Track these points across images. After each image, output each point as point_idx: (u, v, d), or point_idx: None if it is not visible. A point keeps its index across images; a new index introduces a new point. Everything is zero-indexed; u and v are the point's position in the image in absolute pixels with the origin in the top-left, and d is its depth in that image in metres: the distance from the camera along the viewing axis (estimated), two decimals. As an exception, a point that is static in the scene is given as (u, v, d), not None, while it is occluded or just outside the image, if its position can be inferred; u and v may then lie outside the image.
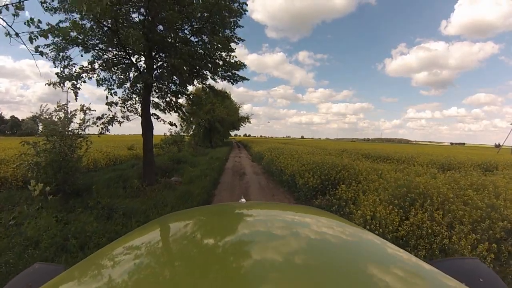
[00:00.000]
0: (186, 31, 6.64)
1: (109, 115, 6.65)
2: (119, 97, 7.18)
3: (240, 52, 7.34)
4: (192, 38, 6.36)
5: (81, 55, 6.19)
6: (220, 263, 0.62)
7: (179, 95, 7.38)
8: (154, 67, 6.86)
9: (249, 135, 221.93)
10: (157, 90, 7.29)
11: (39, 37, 3.34)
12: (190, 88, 8.49)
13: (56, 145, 6.18)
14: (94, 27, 6.16)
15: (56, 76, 5.58)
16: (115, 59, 6.67)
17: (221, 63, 6.90)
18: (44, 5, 5.40)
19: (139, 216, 4.47)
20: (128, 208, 4.74)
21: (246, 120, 37.26)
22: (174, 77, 6.94)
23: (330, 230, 0.89)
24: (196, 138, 27.44)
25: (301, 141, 64.18)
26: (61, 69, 5.98)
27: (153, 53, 6.73)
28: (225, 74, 7.08)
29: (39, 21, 2.96)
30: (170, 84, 7.16)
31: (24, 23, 2.93)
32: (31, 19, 3.02)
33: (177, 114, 7.44)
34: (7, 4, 2.74)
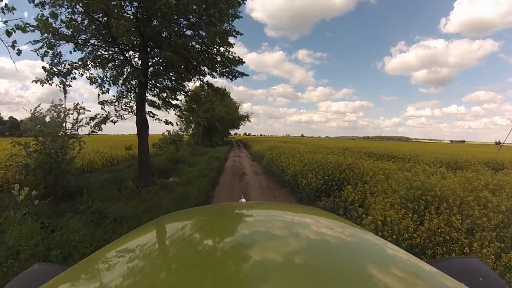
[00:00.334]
0: (182, 25, 6.31)
1: (102, 114, 6.33)
2: (113, 96, 6.88)
3: (239, 51, 7.12)
4: (188, 32, 6.03)
5: (70, 52, 5.87)
6: (220, 263, 0.62)
7: (176, 92, 7.05)
8: (149, 64, 6.53)
9: (249, 134, 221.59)
10: (152, 88, 6.96)
11: (16, 30, 3.03)
12: (190, 86, 8.21)
13: (47, 146, 5.89)
14: (85, 21, 5.85)
15: (43, 71, 5.24)
16: (107, 55, 6.35)
17: (219, 58, 6.57)
18: None
19: (131, 221, 4.16)
20: (120, 212, 4.43)
21: (246, 119, 36.94)
22: (171, 74, 6.62)
23: (330, 230, 0.89)
24: (196, 137, 27.12)
25: (301, 139, 63.93)
26: (50, 66, 5.67)
27: (148, 49, 6.42)
28: (223, 70, 6.75)
29: (13, 8, 2.63)
30: (166, 81, 6.84)
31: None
32: (5, 5, 2.70)
33: (174, 112, 7.10)
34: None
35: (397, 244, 1.01)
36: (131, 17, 5.72)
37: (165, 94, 7.02)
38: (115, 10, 5.22)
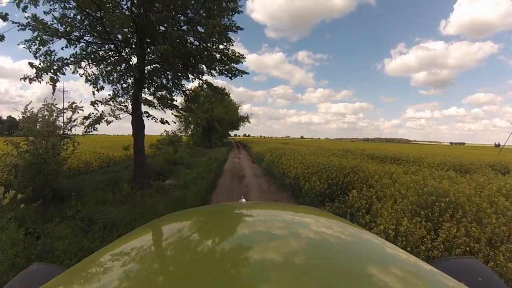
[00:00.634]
0: (179, 20, 6.03)
1: (96, 113, 6.04)
2: (109, 95, 6.60)
3: (239, 52, 6.86)
4: (185, 28, 5.74)
5: (62, 48, 5.60)
6: (221, 263, 0.62)
7: (173, 90, 6.76)
8: (145, 61, 6.25)
9: (249, 135, 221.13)
10: (149, 87, 6.68)
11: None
12: (189, 86, 7.96)
13: (37, 145, 5.61)
14: (78, 17, 5.58)
15: (30, 67, 4.95)
16: (102, 52, 6.08)
17: (218, 56, 6.30)
18: None
19: (122, 228, 3.86)
20: (111, 218, 4.14)
21: (246, 120, 36.64)
22: (167, 72, 6.34)
23: (330, 230, 0.88)
24: (195, 138, 26.84)
25: (301, 141, 63.66)
26: (42, 63, 5.39)
27: (145, 45, 6.15)
28: (223, 68, 6.47)
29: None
30: (163, 79, 6.55)
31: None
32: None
33: (171, 112, 6.80)
34: None
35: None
36: (126, 11, 5.46)
37: (161, 93, 6.72)
38: (109, 4, 4.95)
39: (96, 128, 5.59)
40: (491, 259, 2.68)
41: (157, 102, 6.45)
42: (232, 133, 46.53)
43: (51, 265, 1.07)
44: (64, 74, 5.34)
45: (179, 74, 6.35)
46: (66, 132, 6.43)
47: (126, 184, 6.21)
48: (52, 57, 5.48)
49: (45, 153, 5.58)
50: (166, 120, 6.08)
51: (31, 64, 4.93)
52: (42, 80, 5.09)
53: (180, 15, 5.66)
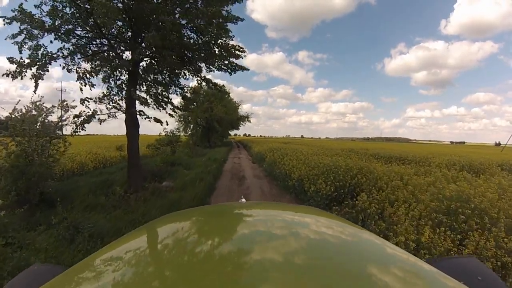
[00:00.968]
0: (176, 13, 5.65)
1: (87, 112, 5.66)
2: (103, 92, 6.23)
3: (238, 45, 6.56)
4: (181, 21, 5.37)
5: (51, 41, 5.22)
6: (221, 263, 0.61)
7: (169, 86, 6.36)
8: (140, 55, 5.87)
9: (249, 135, 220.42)
10: (143, 83, 6.30)
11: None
12: (190, 84, 7.62)
13: (24, 146, 5.25)
14: (67, 9, 5.22)
15: (9, 62, 4.57)
16: (93, 46, 5.71)
17: (217, 51, 5.91)
18: None
19: (109, 237, 3.48)
20: (99, 226, 3.77)
21: (246, 119, 36.18)
22: (161, 68, 5.96)
23: (330, 230, 0.88)
24: (194, 138, 26.45)
25: (301, 140, 63.19)
26: (29, 59, 5.03)
27: (139, 39, 5.77)
28: (221, 63, 6.09)
29: None
30: (158, 75, 6.17)
31: None
32: None
33: (165, 110, 6.40)
34: None
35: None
36: (119, 3, 5.08)
37: (157, 91, 6.33)
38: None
39: (85, 128, 5.19)
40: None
41: (151, 100, 6.06)
42: (232, 132, 46.09)
43: (51, 265, 1.06)
44: (47, 70, 4.95)
45: (175, 69, 5.95)
46: (57, 132, 6.08)
47: (119, 187, 5.84)
48: (40, 51, 5.13)
49: (31, 154, 5.22)
50: (159, 119, 5.69)
51: (10, 60, 4.55)
52: (25, 76, 4.71)
53: (176, 5, 5.26)
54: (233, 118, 31.84)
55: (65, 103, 6.45)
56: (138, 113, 5.72)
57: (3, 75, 4.71)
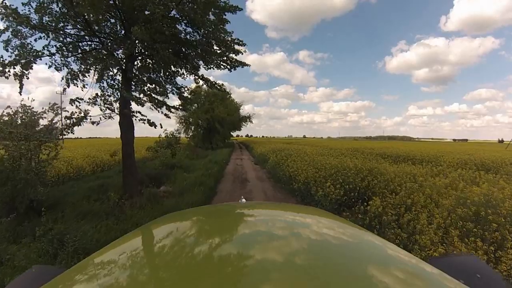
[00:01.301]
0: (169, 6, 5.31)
1: (79, 113, 5.33)
2: (96, 94, 5.89)
3: (238, 38, 6.25)
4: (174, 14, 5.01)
5: (35, 40, 4.90)
6: (221, 263, 0.61)
7: (165, 84, 6.00)
8: (134, 53, 5.53)
9: (251, 136, 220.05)
10: (138, 83, 5.96)
11: None
12: (190, 85, 7.28)
13: (11, 150, 4.94)
14: (55, 5, 4.90)
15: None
16: (82, 44, 5.38)
17: (215, 46, 5.55)
18: None
19: (95, 251, 3.13)
20: (86, 238, 3.41)
21: (248, 120, 35.78)
22: (155, 65, 5.62)
23: (331, 230, 0.87)
24: (196, 140, 26.12)
25: (304, 140, 62.76)
26: (14, 57, 4.71)
27: (132, 36, 5.42)
28: (220, 60, 5.73)
29: None
30: (152, 73, 5.82)
31: None
32: None
33: (160, 111, 6.03)
34: None
35: None
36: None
37: (152, 89, 5.97)
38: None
39: (73, 131, 4.85)
40: None
41: (146, 98, 5.71)
42: (234, 133, 45.69)
43: (51, 267, 1.07)
44: (31, 68, 4.62)
45: (170, 66, 5.60)
46: (47, 135, 5.77)
47: (113, 193, 5.49)
48: (26, 49, 4.81)
49: (19, 158, 4.91)
50: (153, 122, 5.33)
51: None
52: (9, 75, 4.39)
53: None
54: (234, 119, 31.49)
55: (56, 106, 6.15)
56: (132, 114, 5.37)
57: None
